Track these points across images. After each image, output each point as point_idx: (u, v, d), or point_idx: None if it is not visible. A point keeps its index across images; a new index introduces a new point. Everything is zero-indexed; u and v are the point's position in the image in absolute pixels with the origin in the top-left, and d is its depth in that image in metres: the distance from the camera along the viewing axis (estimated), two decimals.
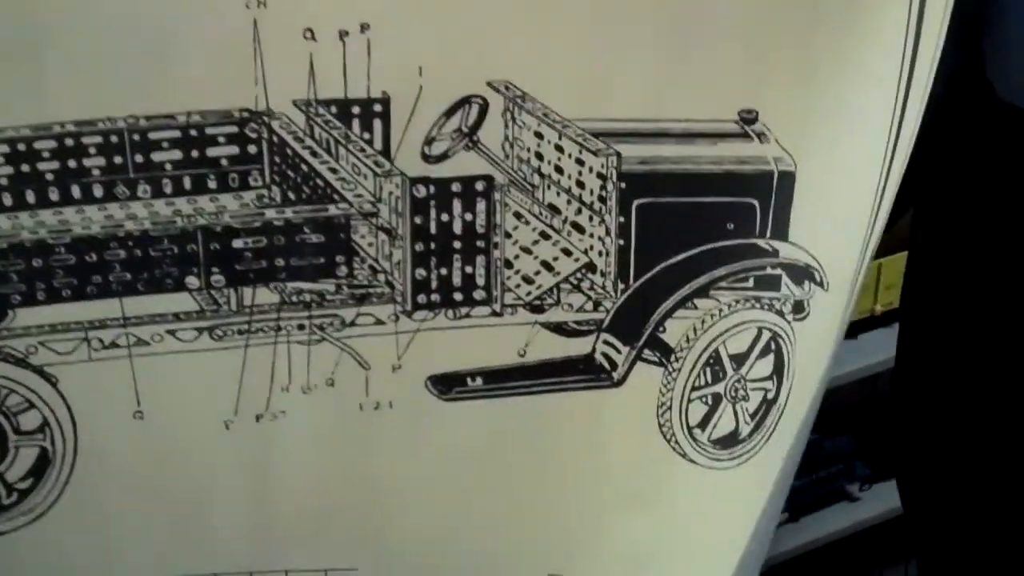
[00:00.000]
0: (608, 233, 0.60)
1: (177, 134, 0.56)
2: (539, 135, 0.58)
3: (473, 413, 0.61)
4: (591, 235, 0.60)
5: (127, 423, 0.58)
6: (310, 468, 0.61)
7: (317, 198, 0.59)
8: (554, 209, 0.60)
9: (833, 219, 0.61)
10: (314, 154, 0.58)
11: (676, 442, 0.62)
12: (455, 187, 0.58)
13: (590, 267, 0.60)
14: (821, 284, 0.61)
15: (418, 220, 0.58)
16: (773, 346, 0.62)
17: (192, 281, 0.58)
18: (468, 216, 0.59)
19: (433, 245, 0.59)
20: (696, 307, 0.61)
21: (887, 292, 1.51)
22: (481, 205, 0.59)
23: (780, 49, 0.56)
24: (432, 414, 0.61)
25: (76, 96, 0.54)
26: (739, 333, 0.62)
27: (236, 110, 0.55)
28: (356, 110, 0.56)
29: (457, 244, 0.59)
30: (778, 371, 0.63)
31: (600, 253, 0.60)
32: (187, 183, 0.58)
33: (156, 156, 0.57)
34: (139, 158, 0.56)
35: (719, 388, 0.62)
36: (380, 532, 0.64)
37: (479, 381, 0.61)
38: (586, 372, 0.61)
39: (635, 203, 0.59)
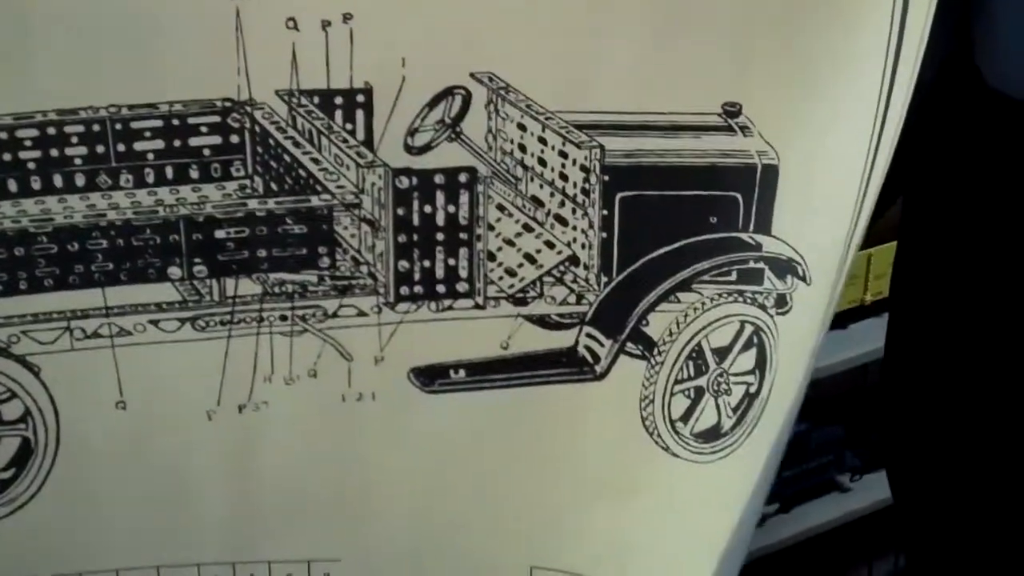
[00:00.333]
0: (591, 226, 0.59)
1: (159, 123, 0.56)
2: (522, 127, 0.58)
3: (456, 405, 0.61)
4: (574, 228, 0.60)
5: (109, 413, 0.58)
6: (293, 459, 0.61)
7: (300, 189, 0.58)
8: (537, 201, 0.60)
9: (817, 213, 0.60)
10: (297, 144, 0.58)
11: (658, 435, 0.62)
12: (438, 179, 0.58)
13: (573, 260, 0.60)
14: (804, 278, 0.61)
15: (401, 212, 0.58)
16: (756, 340, 0.62)
17: (174, 271, 0.58)
18: (451, 208, 0.59)
19: (416, 237, 0.59)
20: (679, 301, 0.61)
21: (877, 281, 1.51)
22: (464, 197, 0.58)
23: (764, 42, 0.56)
24: (415, 406, 0.61)
25: (58, 85, 0.54)
26: (722, 327, 0.62)
27: (218, 100, 0.55)
28: (339, 100, 0.56)
29: (440, 236, 0.59)
30: (760, 365, 0.63)
31: (583, 246, 0.60)
32: (169, 173, 0.57)
33: (138, 145, 0.56)
34: (121, 147, 0.56)
35: (702, 382, 0.62)
36: (363, 523, 0.64)
37: (462, 373, 0.61)
38: (569, 365, 0.61)
39: (618, 196, 0.59)
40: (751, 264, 0.60)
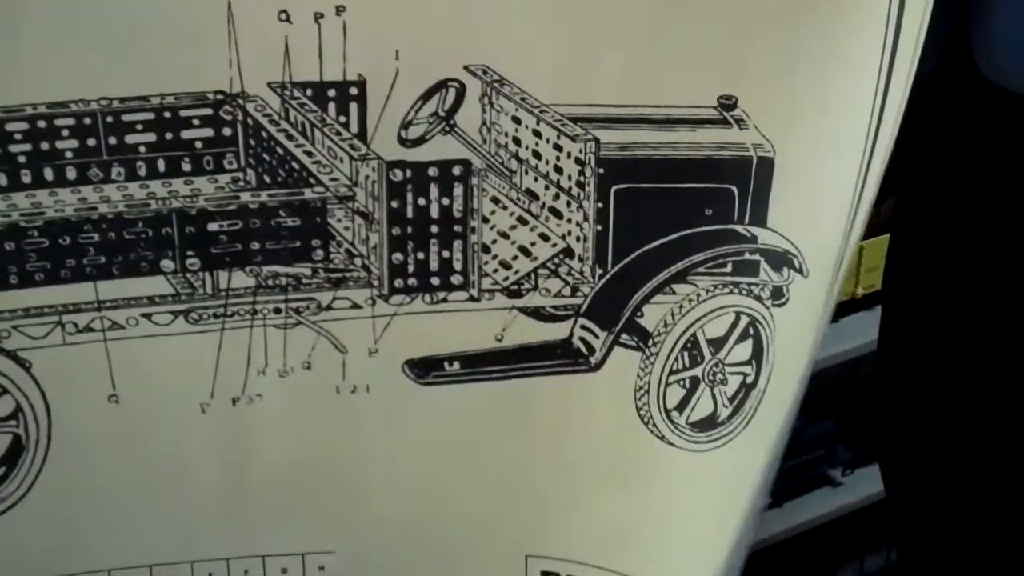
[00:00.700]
0: (586, 218, 0.59)
1: (151, 116, 0.55)
2: (517, 120, 0.58)
3: (450, 397, 0.61)
4: (569, 220, 0.60)
5: (102, 407, 0.58)
6: (287, 452, 0.61)
7: (293, 181, 0.58)
8: (532, 194, 0.60)
9: (813, 205, 0.60)
10: (290, 137, 0.57)
11: (653, 425, 0.62)
12: (432, 171, 0.58)
13: (568, 252, 0.60)
14: (800, 270, 0.61)
15: (395, 204, 0.58)
16: (751, 331, 0.62)
17: (167, 264, 0.57)
18: (445, 200, 0.58)
19: (410, 229, 0.59)
20: (674, 292, 0.61)
21: (869, 275, 1.50)
22: (458, 190, 0.58)
23: (760, 35, 0.56)
24: (409, 398, 0.60)
25: (49, 77, 0.53)
26: (717, 318, 0.61)
27: (211, 92, 0.55)
28: (332, 93, 0.56)
29: (434, 228, 0.59)
30: (757, 356, 0.62)
31: (578, 238, 0.60)
32: (161, 166, 0.57)
33: (130, 138, 0.56)
34: (113, 140, 0.56)
35: (697, 372, 0.62)
36: (357, 516, 0.63)
37: (456, 366, 0.60)
38: (564, 356, 0.61)
39: (613, 189, 0.59)
40: (746, 256, 0.60)
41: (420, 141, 0.57)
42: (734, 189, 0.59)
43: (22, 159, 0.55)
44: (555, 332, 0.61)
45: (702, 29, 0.56)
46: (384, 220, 0.58)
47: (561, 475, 0.63)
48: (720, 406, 0.63)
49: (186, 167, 0.57)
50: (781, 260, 0.61)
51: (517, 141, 0.59)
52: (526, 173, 0.60)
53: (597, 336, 0.61)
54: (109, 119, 0.55)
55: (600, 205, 0.59)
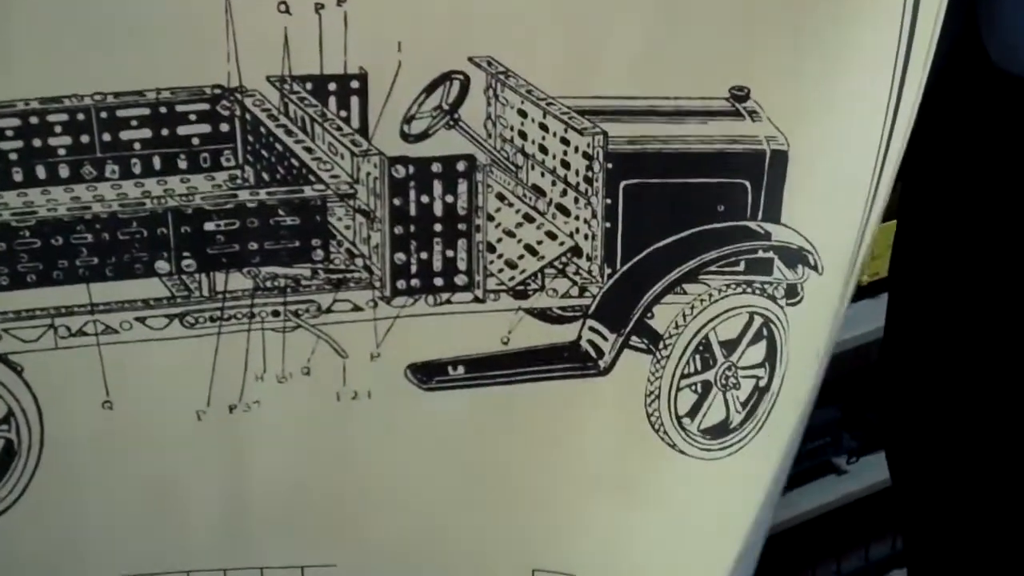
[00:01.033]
0: (594, 215, 0.58)
1: (146, 112, 0.54)
2: (523, 113, 0.56)
3: (455, 403, 0.59)
4: (577, 218, 0.58)
5: (96, 413, 0.57)
6: (286, 460, 0.60)
7: (292, 179, 0.57)
8: (538, 190, 0.58)
9: (828, 200, 0.59)
10: (289, 133, 0.56)
11: (664, 432, 0.61)
12: (435, 167, 0.56)
13: (576, 251, 0.58)
14: (815, 268, 0.59)
15: (397, 202, 0.56)
16: (765, 332, 0.60)
17: (162, 266, 0.56)
18: (449, 198, 0.57)
19: (413, 228, 0.57)
20: (685, 292, 0.59)
21: (874, 262, 1.49)
22: (463, 186, 0.57)
23: (773, 24, 0.54)
24: (412, 404, 0.59)
25: (41, 72, 0.52)
26: (730, 319, 0.60)
27: (208, 87, 0.53)
28: (332, 87, 0.54)
29: (438, 227, 0.57)
30: (770, 358, 0.61)
31: (586, 236, 0.58)
32: (157, 163, 0.56)
33: (124, 135, 0.54)
34: (107, 137, 0.54)
35: (709, 376, 0.61)
36: (359, 527, 0.62)
37: (461, 370, 0.59)
38: (572, 360, 0.59)
39: (622, 184, 0.57)
40: (760, 254, 0.59)
41: (423, 136, 0.55)
42: (747, 184, 0.57)
43: (13, 156, 0.54)
44: (563, 334, 0.59)
45: (713, 17, 0.54)
46: (386, 218, 0.57)
47: (569, 484, 0.62)
48: (732, 412, 0.61)
49: (182, 164, 0.56)
50: (796, 257, 0.59)
51: (523, 135, 0.57)
52: (532, 168, 0.58)
53: (606, 338, 0.59)
54: (103, 115, 0.54)
55: (609, 201, 0.57)
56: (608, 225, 0.58)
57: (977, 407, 0.73)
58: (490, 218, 0.57)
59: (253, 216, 0.56)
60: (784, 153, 0.57)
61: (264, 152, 0.56)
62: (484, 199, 0.57)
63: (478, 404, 0.59)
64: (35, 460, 0.57)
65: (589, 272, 0.59)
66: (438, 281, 0.58)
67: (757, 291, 0.60)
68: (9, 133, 0.53)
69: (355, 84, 0.54)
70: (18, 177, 0.54)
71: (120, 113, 0.54)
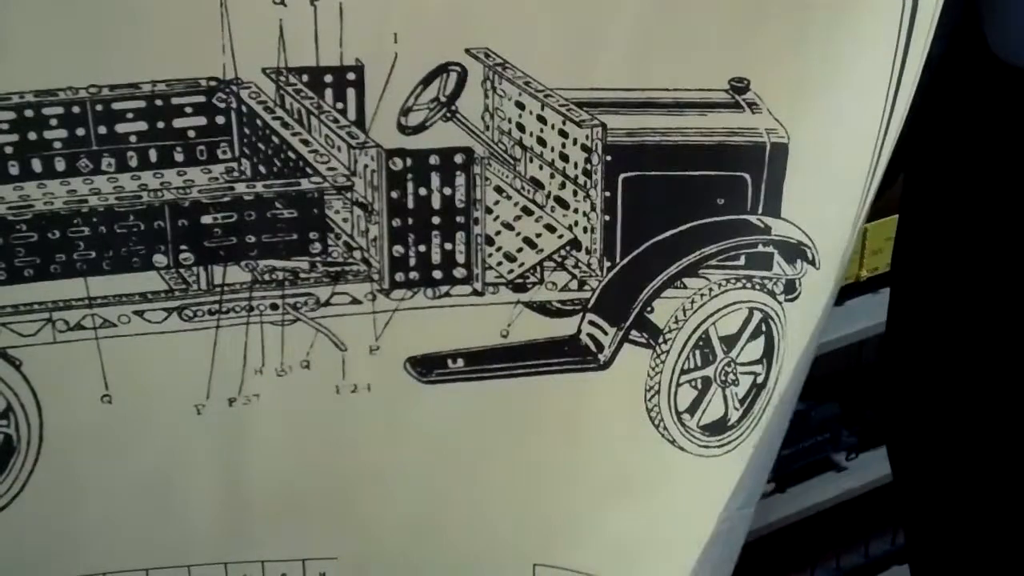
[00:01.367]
0: (593, 208, 0.57)
1: (142, 104, 0.54)
2: (520, 105, 0.56)
3: (454, 396, 0.59)
4: (575, 210, 0.58)
5: (94, 407, 0.56)
6: (285, 453, 0.59)
7: (289, 171, 0.56)
8: (537, 183, 0.58)
9: (826, 193, 0.58)
10: (285, 125, 0.55)
11: (664, 428, 0.60)
12: (433, 160, 0.56)
13: (575, 244, 0.58)
14: (813, 262, 0.59)
15: (395, 194, 0.56)
16: (764, 328, 0.60)
17: (160, 259, 0.55)
18: (447, 190, 0.56)
19: (411, 221, 0.57)
20: (685, 286, 0.59)
21: (873, 257, 1.49)
22: (460, 179, 0.56)
23: (772, 15, 0.54)
24: (412, 397, 0.59)
25: (36, 65, 0.51)
26: (730, 314, 0.59)
27: (203, 79, 0.53)
28: (328, 79, 0.54)
29: (436, 220, 0.57)
30: (768, 354, 0.61)
31: (585, 229, 0.58)
32: (153, 156, 0.55)
33: (120, 127, 0.54)
34: (103, 130, 0.54)
35: (709, 371, 0.60)
36: (359, 520, 0.62)
37: (460, 363, 0.59)
38: (571, 354, 0.59)
39: (621, 177, 0.57)
40: (760, 248, 0.58)
41: (420, 128, 0.55)
42: (747, 177, 0.57)
43: (9, 150, 0.53)
44: (562, 328, 0.59)
45: (712, 9, 0.54)
46: (384, 211, 0.56)
47: (568, 480, 0.62)
48: (731, 408, 0.61)
49: (178, 157, 0.56)
50: (795, 252, 0.59)
51: (521, 127, 0.57)
52: (531, 161, 0.58)
53: (606, 332, 0.59)
54: (99, 107, 0.53)
55: (608, 194, 0.57)
56: (607, 218, 0.57)
57: (979, 401, 0.72)
58: (488, 211, 0.57)
59: (250, 209, 0.56)
60: (784, 146, 0.56)
61: (261, 145, 0.56)
62: (482, 192, 0.57)
63: (477, 397, 0.59)
64: (35, 455, 0.57)
65: (588, 265, 0.58)
66: (436, 274, 0.58)
67: (757, 286, 0.59)
68: (4, 127, 0.53)
69: (351, 76, 0.54)
70: (14, 171, 0.54)
71: (116, 106, 0.54)
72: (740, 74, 0.55)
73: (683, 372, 0.60)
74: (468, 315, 0.58)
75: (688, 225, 0.57)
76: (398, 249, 0.57)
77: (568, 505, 0.62)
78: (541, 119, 0.57)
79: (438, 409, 0.59)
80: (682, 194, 0.57)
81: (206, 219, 0.55)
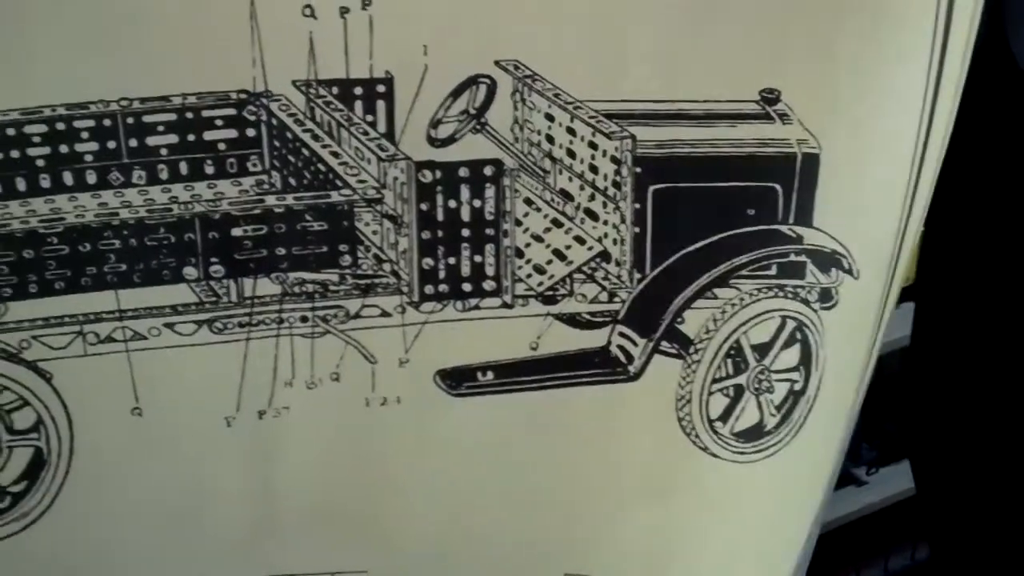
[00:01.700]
0: (623, 220, 0.57)
1: (173, 117, 0.54)
2: (550, 117, 0.56)
3: (484, 409, 0.58)
4: (605, 222, 0.58)
5: (125, 420, 0.56)
6: (315, 466, 0.59)
7: (319, 184, 0.56)
8: (566, 195, 0.58)
9: (862, 203, 0.58)
10: (315, 138, 0.55)
11: (696, 436, 0.60)
12: (463, 172, 0.56)
13: (604, 256, 0.58)
14: (850, 271, 0.58)
15: (424, 207, 0.56)
16: (799, 336, 0.60)
17: (190, 272, 0.55)
18: (476, 202, 0.56)
19: (440, 233, 0.57)
20: (716, 297, 0.58)
21: None
22: (490, 191, 0.56)
23: (803, 24, 0.54)
24: (441, 410, 0.58)
25: (67, 78, 0.51)
26: (762, 323, 0.59)
27: (234, 91, 0.53)
28: (358, 91, 0.54)
29: (465, 232, 0.57)
30: (805, 362, 0.60)
31: (615, 241, 0.58)
32: (183, 169, 0.55)
33: (151, 140, 0.54)
34: (133, 143, 0.54)
35: (741, 380, 0.60)
36: (390, 532, 0.61)
37: (490, 375, 0.58)
38: (601, 365, 0.59)
39: (651, 188, 0.57)
40: (792, 258, 0.58)
41: (450, 140, 0.55)
42: (778, 187, 0.57)
43: (41, 163, 0.53)
44: (592, 340, 0.59)
45: (743, 19, 0.53)
46: (413, 223, 0.56)
47: (600, 489, 0.61)
48: (767, 415, 0.61)
49: (209, 170, 0.56)
50: (829, 261, 0.58)
51: (550, 139, 0.57)
52: (560, 173, 0.58)
53: (636, 343, 0.58)
54: (130, 120, 0.53)
55: (637, 206, 0.57)
56: (637, 230, 0.57)
57: (1007, 415, 0.72)
58: (518, 223, 0.57)
59: (280, 221, 0.56)
60: (816, 156, 0.56)
61: (291, 157, 0.56)
62: (512, 204, 0.57)
63: (507, 410, 0.59)
64: (65, 468, 0.57)
65: (618, 277, 0.58)
66: (466, 286, 0.58)
67: (789, 295, 0.59)
68: (36, 139, 0.53)
69: (381, 88, 0.54)
70: (45, 184, 0.54)
71: (147, 119, 0.54)
72: (771, 85, 0.55)
73: (715, 381, 0.60)
74: (498, 327, 0.58)
75: (718, 236, 0.57)
76: (428, 262, 0.57)
77: (599, 513, 0.62)
78: (571, 131, 0.56)
79: (468, 422, 0.59)
80: (712, 205, 0.57)
81: (236, 232, 0.55)
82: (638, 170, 0.56)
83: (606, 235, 0.58)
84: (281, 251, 0.56)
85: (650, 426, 0.60)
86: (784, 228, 0.57)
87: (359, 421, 0.58)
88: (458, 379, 0.58)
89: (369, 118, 0.55)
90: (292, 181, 0.56)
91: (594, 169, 0.57)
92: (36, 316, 0.55)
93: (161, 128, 0.54)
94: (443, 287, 0.57)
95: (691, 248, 0.57)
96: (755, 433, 0.61)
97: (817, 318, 0.59)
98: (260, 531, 0.60)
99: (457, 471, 0.60)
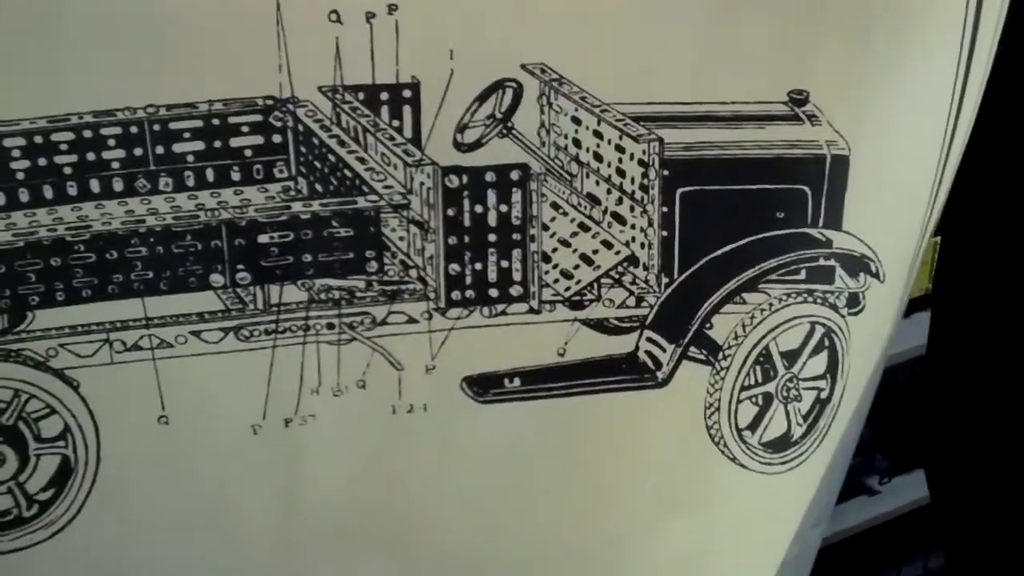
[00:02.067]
0: (651, 224, 0.57)
1: (199, 124, 0.54)
2: (577, 120, 0.56)
3: (511, 416, 0.58)
4: (633, 226, 0.57)
5: (151, 428, 0.56)
6: (341, 473, 0.59)
7: (345, 190, 0.56)
8: (593, 199, 0.57)
9: (890, 205, 0.58)
10: (342, 143, 0.55)
11: (725, 445, 0.60)
12: (489, 176, 0.55)
13: (632, 260, 0.57)
14: (877, 275, 0.58)
15: (451, 212, 0.56)
16: (827, 342, 0.59)
17: (217, 279, 0.55)
18: (503, 207, 0.56)
19: (467, 238, 0.56)
20: (745, 301, 0.58)
21: None
22: (517, 195, 0.56)
23: (831, 26, 0.53)
24: (468, 417, 0.58)
25: (94, 85, 0.51)
26: (791, 328, 0.59)
27: (260, 98, 0.53)
28: (384, 96, 0.54)
29: (492, 237, 0.57)
30: (832, 369, 0.60)
31: (642, 245, 0.57)
32: (210, 175, 0.55)
33: (178, 147, 0.54)
34: (160, 149, 0.54)
35: (770, 387, 0.60)
36: (415, 542, 0.61)
37: (517, 382, 0.58)
38: (629, 372, 0.58)
39: (679, 192, 0.56)
40: (821, 262, 0.58)
41: (476, 145, 0.55)
42: (807, 190, 0.56)
43: (68, 170, 0.53)
44: (619, 345, 0.58)
45: (771, 20, 0.53)
46: (440, 229, 0.56)
47: (628, 498, 0.61)
48: (794, 424, 0.60)
49: (235, 176, 0.55)
50: (858, 265, 0.58)
51: (577, 143, 0.57)
52: (587, 177, 0.57)
53: (664, 349, 0.58)
54: (156, 127, 0.53)
55: (665, 209, 0.56)
56: (665, 233, 0.57)
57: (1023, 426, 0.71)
58: (545, 227, 0.57)
59: (307, 228, 0.55)
60: (845, 158, 0.56)
61: (317, 163, 0.56)
62: (538, 208, 0.56)
63: (534, 417, 0.58)
64: (92, 476, 0.56)
65: (646, 282, 0.58)
66: (493, 292, 0.57)
67: (819, 300, 0.58)
68: (63, 147, 0.53)
69: (407, 93, 0.53)
70: (72, 191, 0.54)
71: (173, 126, 0.53)
72: (799, 86, 0.54)
73: (743, 388, 0.59)
74: (524, 333, 0.57)
75: (747, 239, 0.57)
76: (454, 267, 0.57)
77: (626, 523, 0.62)
78: (598, 134, 0.56)
79: (495, 429, 0.59)
80: (740, 208, 0.56)
81: (263, 238, 0.55)
82: (666, 173, 0.56)
83: (633, 239, 0.57)
84: (307, 258, 0.56)
85: (678, 434, 0.59)
86: (814, 231, 0.57)
87: (385, 428, 0.58)
88: (485, 386, 0.58)
89: (395, 123, 0.54)
90: (318, 187, 0.56)
91: (621, 172, 0.57)
92: (63, 324, 0.54)
93: (188, 135, 0.54)
94: (470, 293, 0.57)
95: (720, 252, 0.57)
96: (782, 444, 0.61)
97: (845, 324, 0.59)
98: (285, 539, 0.60)
99: (483, 479, 0.60)
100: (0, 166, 0.52)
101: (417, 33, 0.52)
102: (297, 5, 0.50)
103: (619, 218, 0.57)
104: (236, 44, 0.51)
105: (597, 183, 0.57)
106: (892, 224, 0.58)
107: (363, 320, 0.57)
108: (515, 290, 0.57)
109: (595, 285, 0.58)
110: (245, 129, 0.54)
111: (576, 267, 0.57)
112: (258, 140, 0.54)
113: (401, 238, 0.56)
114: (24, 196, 0.53)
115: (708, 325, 0.58)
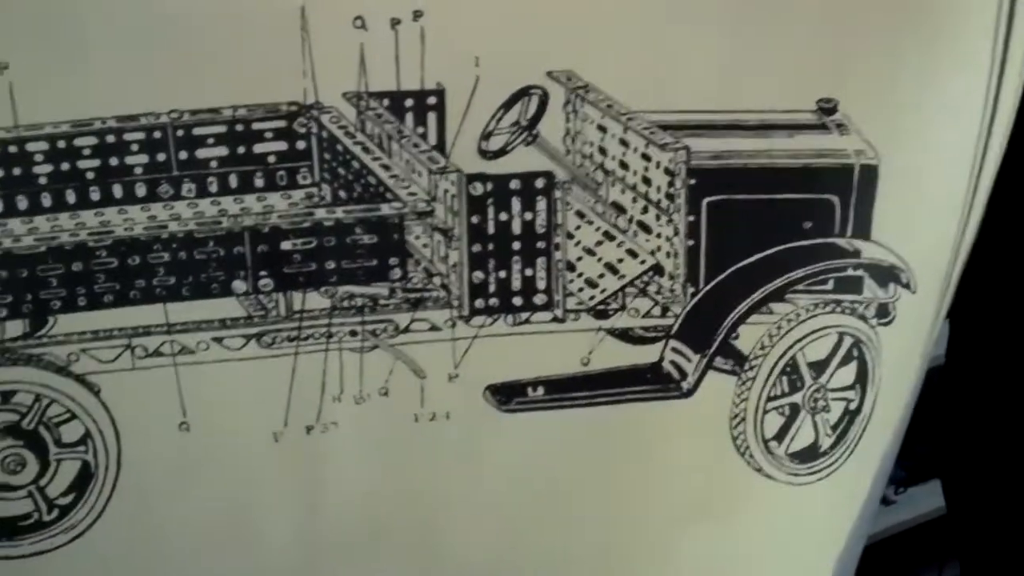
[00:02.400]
0: (677, 233, 0.56)
1: (223, 130, 0.53)
2: (602, 128, 0.55)
3: (534, 425, 0.58)
4: (658, 235, 0.57)
5: (172, 434, 0.56)
6: (363, 482, 0.58)
7: (369, 197, 0.56)
8: (619, 207, 0.57)
9: (921, 215, 0.57)
10: (366, 150, 0.55)
11: (750, 455, 0.59)
12: (514, 184, 0.55)
13: (657, 269, 0.57)
14: (908, 286, 0.57)
15: (475, 220, 0.55)
16: (855, 353, 0.59)
17: (239, 285, 0.55)
18: (528, 215, 0.56)
19: (491, 246, 0.56)
20: (771, 312, 0.57)
21: None
22: (541, 203, 0.55)
23: (861, 33, 0.53)
24: (491, 425, 0.57)
25: (117, 90, 0.51)
26: (818, 339, 0.58)
27: (284, 104, 0.52)
28: (409, 103, 0.53)
29: (516, 245, 0.56)
30: (861, 380, 0.59)
31: (668, 254, 0.57)
32: (233, 181, 0.55)
33: (201, 153, 0.54)
34: (183, 155, 0.54)
35: (797, 398, 0.59)
36: (437, 550, 0.61)
37: (540, 391, 0.57)
38: (654, 382, 0.58)
39: (705, 201, 0.56)
40: (849, 272, 0.57)
41: (501, 152, 0.54)
42: (835, 199, 0.56)
43: (90, 176, 0.53)
44: (644, 355, 0.58)
45: (799, 27, 0.52)
46: (464, 236, 0.56)
47: (652, 509, 0.60)
48: (822, 435, 0.60)
49: (259, 183, 0.55)
50: (887, 275, 0.57)
51: (603, 151, 0.56)
52: (612, 185, 0.57)
53: (689, 359, 0.58)
54: (179, 133, 0.53)
55: (691, 218, 0.56)
56: (691, 243, 0.56)
57: None
58: (569, 236, 0.56)
59: (330, 235, 0.55)
60: (874, 168, 0.55)
61: (341, 170, 0.55)
62: (563, 217, 0.56)
63: (558, 426, 0.58)
64: (112, 481, 0.56)
65: (671, 291, 0.57)
66: (517, 300, 0.57)
67: (847, 310, 0.58)
68: (86, 152, 0.53)
69: (432, 100, 0.53)
70: (95, 196, 0.53)
71: (196, 131, 0.53)
72: (828, 94, 0.54)
73: (770, 399, 0.59)
74: (548, 342, 0.57)
75: (774, 249, 0.56)
76: (478, 275, 0.56)
77: (651, 533, 0.61)
78: (623, 142, 0.56)
79: (518, 438, 0.58)
80: (767, 218, 0.56)
81: (286, 245, 0.55)
82: (692, 182, 0.56)
83: (659, 248, 0.57)
84: (331, 264, 0.55)
85: (704, 445, 0.59)
86: (841, 241, 0.56)
87: (408, 437, 0.58)
88: (508, 395, 0.58)
89: (420, 130, 0.54)
90: (342, 194, 0.56)
91: (647, 181, 0.56)
92: (84, 329, 0.54)
93: (211, 140, 0.54)
94: (493, 301, 0.57)
95: (746, 262, 0.56)
96: (810, 454, 0.60)
97: (874, 334, 0.58)
98: (306, 546, 0.60)
99: (506, 487, 0.59)
100: (23, 171, 0.52)
101: (442, 39, 0.51)
102: (322, 11, 0.50)
103: (645, 227, 0.57)
104: (261, 50, 0.51)
105: (623, 191, 0.57)
106: (923, 235, 0.58)
107: (386, 327, 0.56)
108: (539, 298, 0.57)
109: (620, 294, 0.57)
110: (269, 135, 0.54)
111: (601, 276, 0.57)
112: (282, 146, 0.54)
113: (425, 245, 0.56)
114: (47, 201, 0.53)
115: (734, 335, 0.58)
